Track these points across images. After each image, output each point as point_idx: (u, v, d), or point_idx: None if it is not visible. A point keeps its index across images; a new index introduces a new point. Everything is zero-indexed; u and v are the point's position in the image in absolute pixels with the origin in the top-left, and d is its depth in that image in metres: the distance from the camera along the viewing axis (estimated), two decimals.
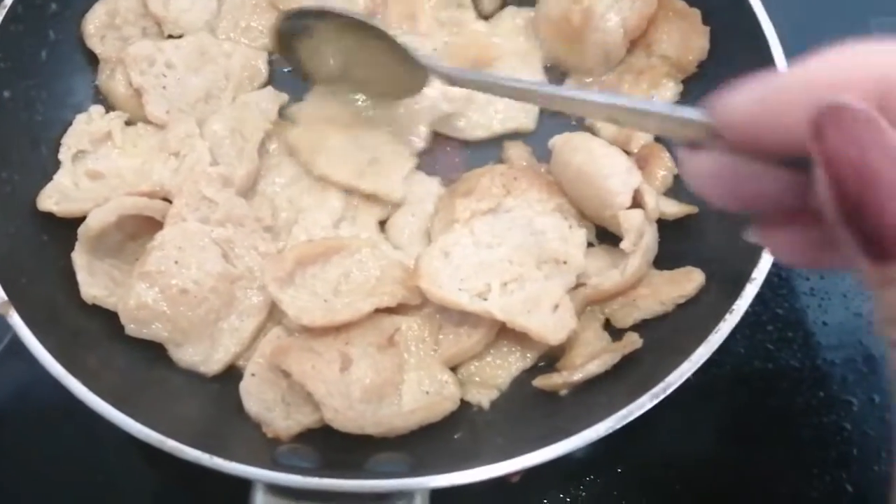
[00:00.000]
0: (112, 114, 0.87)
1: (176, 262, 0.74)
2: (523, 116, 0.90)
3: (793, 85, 0.36)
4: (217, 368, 0.75)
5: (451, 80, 0.75)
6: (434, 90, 0.85)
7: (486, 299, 0.72)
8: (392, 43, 0.77)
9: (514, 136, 0.90)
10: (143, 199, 0.78)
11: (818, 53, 0.36)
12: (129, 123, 0.87)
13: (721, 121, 0.39)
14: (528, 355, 0.76)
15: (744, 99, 0.38)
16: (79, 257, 0.76)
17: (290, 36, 0.85)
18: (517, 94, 0.68)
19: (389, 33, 0.78)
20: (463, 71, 0.76)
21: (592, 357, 0.72)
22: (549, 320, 0.72)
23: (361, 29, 0.79)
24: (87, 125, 0.85)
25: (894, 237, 0.32)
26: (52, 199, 0.79)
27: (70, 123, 0.85)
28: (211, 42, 0.90)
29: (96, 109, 0.87)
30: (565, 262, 0.75)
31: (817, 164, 0.34)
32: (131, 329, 0.73)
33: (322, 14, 0.80)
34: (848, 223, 0.33)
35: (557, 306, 0.73)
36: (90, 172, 0.82)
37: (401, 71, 0.79)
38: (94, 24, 0.90)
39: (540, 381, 0.73)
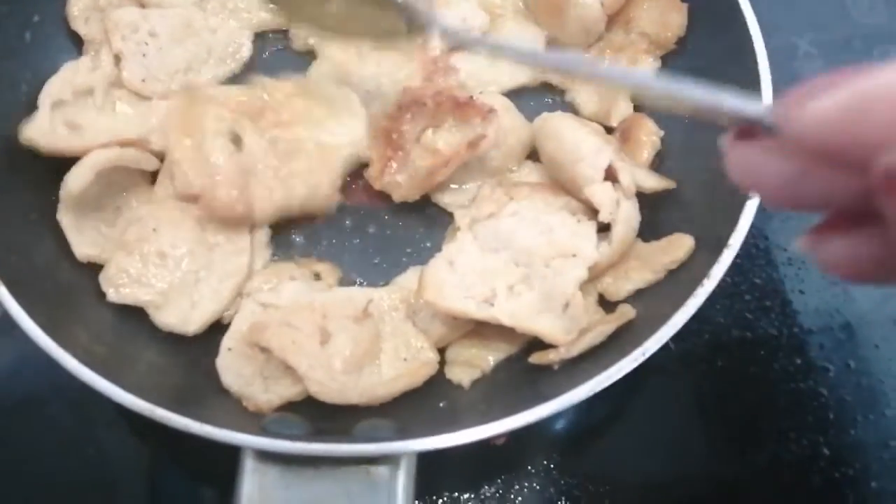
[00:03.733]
0: (99, 72, 0.85)
1: (154, 230, 0.76)
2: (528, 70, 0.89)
3: (884, 96, 0.30)
4: (195, 328, 0.76)
5: (453, 40, 0.69)
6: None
7: (492, 305, 0.71)
8: None
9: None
10: (118, 149, 0.78)
11: None
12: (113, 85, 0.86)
13: (794, 130, 0.33)
14: (516, 342, 0.76)
15: (826, 107, 0.31)
16: (65, 217, 0.77)
17: None
18: (529, 58, 0.61)
19: None
20: (466, 31, 0.72)
21: (586, 330, 0.71)
22: (559, 322, 0.71)
23: None
24: (73, 75, 0.84)
25: None
26: (35, 131, 0.78)
27: None
28: (198, 16, 0.90)
29: (84, 63, 0.86)
30: (574, 255, 0.74)
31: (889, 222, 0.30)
32: (111, 294, 0.75)
33: None
34: None
35: (568, 304, 0.71)
36: (69, 123, 0.82)
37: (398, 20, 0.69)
38: (78, 6, 0.90)
39: (536, 358, 0.72)
